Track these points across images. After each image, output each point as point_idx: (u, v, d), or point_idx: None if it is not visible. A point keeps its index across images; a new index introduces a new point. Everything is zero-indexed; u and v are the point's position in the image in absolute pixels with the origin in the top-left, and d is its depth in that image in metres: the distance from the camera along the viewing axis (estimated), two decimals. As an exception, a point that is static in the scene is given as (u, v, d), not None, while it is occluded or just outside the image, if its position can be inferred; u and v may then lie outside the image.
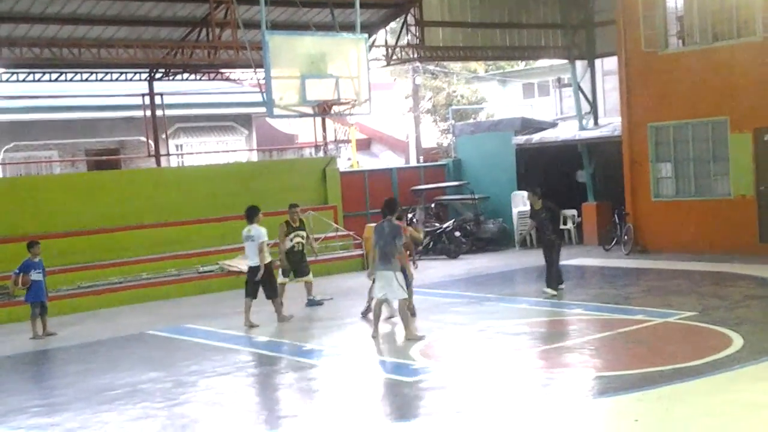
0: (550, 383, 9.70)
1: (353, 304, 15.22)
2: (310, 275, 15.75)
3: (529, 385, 9.76)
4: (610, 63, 25.25)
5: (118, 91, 24.87)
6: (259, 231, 14.25)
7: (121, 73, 21.79)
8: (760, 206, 18.57)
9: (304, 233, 15.63)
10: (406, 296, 12.58)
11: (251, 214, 14.43)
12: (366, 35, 18.94)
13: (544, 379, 9.89)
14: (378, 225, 12.67)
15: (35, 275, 14.56)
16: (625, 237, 20.51)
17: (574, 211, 23.39)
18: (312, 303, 15.70)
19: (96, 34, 19.21)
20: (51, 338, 14.48)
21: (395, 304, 12.76)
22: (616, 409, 8.61)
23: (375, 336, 12.53)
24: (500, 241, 23.23)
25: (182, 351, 12.75)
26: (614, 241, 21.01)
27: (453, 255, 22.06)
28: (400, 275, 12.28)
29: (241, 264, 19.09)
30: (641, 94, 20.53)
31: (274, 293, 14.50)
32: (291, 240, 15.34)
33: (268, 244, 14.29)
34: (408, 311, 12.69)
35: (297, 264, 15.45)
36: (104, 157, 27.01)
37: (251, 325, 14.08)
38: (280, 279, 15.14)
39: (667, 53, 20.05)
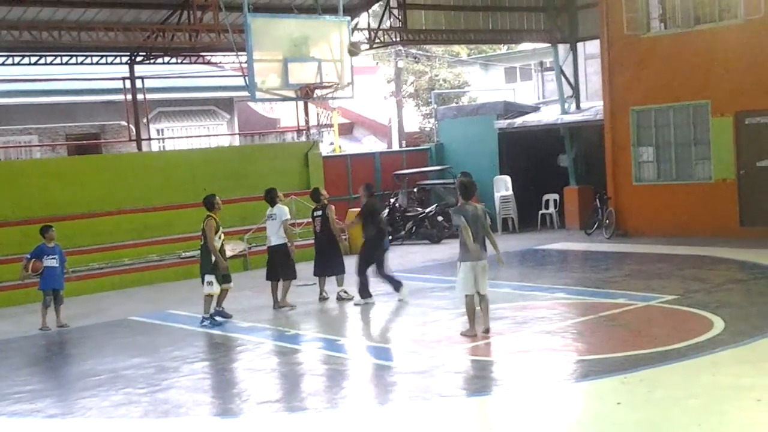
0: (532, 367, 9.73)
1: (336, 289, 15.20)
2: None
3: (511, 369, 9.79)
4: (593, 46, 25.30)
5: (98, 75, 24.66)
6: (281, 210, 14.15)
7: (102, 56, 21.59)
8: (741, 190, 18.67)
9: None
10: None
11: (271, 196, 14.33)
12: (348, 18, 18.87)
13: (526, 362, 9.92)
14: (463, 209, 11.19)
15: (48, 261, 13.91)
16: (607, 221, 20.57)
17: (555, 196, 23.45)
18: (222, 314, 13.49)
19: (76, 16, 19.02)
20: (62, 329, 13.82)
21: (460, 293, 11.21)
22: (598, 392, 8.66)
23: (472, 334, 11.07)
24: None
25: (165, 336, 12.71)
26: (596, 225, 21.07)
27: (435, 240, 22.07)
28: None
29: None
30: (623, 77, 20.56)
31: (292, 275, 14.24)
32: (219, 238, 13.34)
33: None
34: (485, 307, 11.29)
35: (226, 267, 13.67)
36: (85, 142, 26.84)
37: (289, 306, 14.09)
38: (214, 289, 13.15)
39: (649, 36, 20.08)
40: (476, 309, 11.15)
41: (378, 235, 14.12)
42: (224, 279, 13.24)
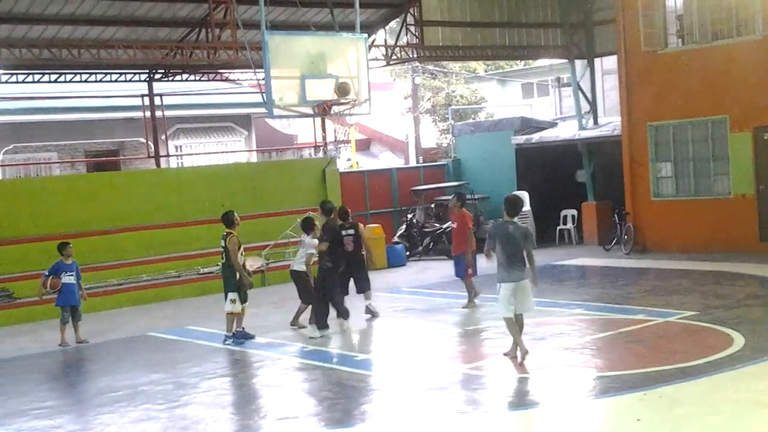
0: (553, 383, 9.69)
1: (353, 304, 15.17)
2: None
3: (531, 385, 9.75)
4: (610, 62, 25.27)
5: (117, 92, 24.85)
6: (311, 242, 13.79)
7: (121, 73, 21.78)
8: (760, 205, 18.57)
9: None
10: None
11: (308, 225, 14.03)
12: (365, 35, 18.93)
13: (547, 379, 9.88)
14: (498, 226, 10.83)
15: (66, 278, 13.96)
16: (625, 236, 20.49)
17: (573, 211, 23.39)
18: (244, 335, 13.32)
19: (95, 34, 19.21)
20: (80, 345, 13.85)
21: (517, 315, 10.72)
22: (618, 409, 8.60)
23: (512, 355, 10.72)
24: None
25: (183, 352, 12.74)
26: (614, 241, 21.00)
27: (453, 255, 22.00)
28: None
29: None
30: (641, 93, 20.52)
31: (308, 299, 13.76)
32: (242, 255, 13.37)
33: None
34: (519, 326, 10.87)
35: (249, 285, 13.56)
36: (104, 159, 27.01)
37: (299, 326, 13.85)
38: (236, 308, 13.12)
39: (666, 52, 20.05)
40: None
41: (335, 259, 13.27)
42: (243, 298, 13.13)
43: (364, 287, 14.60)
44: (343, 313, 13.43)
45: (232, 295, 13.02)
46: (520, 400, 9.20)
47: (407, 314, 14.87)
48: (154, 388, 10.63)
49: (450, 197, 24.40)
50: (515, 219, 10.72)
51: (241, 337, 13.10)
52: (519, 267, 10.48)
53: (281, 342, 12.96)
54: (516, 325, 10.62)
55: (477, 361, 10.90)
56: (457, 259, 15.00)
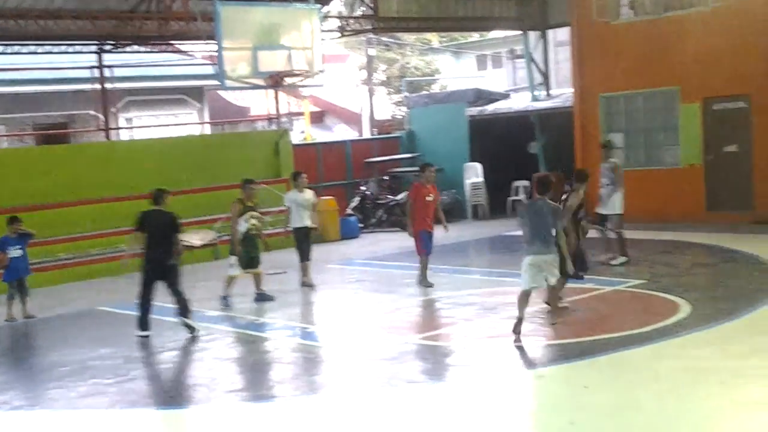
0: (501, 352, 9.78)
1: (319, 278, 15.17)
2: (260, 266, 13.75)
3: (480, 355, 9.83)
4: (563, 34, 25.40)
5: (66, 64, 24.42)
6: (285, 199, 14.70)
7: (70, 45, 21.37)
8: (708, 175, 18.84)
9: (258, 215, 13.71)
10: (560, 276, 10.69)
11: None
12: (319, 6, 18.83)
13: (496, 348, 9.96)
14: (531, 204, 11.01)
15: (14, 252, 13.73)
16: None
17: (526, 182, 23.53)
18: (264, 298, 13.62)
19: (43, 5, 18.76)
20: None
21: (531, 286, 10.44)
22: (566, 377, 8.72)
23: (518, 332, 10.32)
24: (453, 213, 23.27)
25: (133, 327, 12.59)
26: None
27: (406, 227, 22.04)
28: (556, 260, 10.47)
29: (193, 238, 18.97)
30: (593, 64, 20.65)
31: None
32: (246, 221, 13.40)
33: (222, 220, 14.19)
34: (558, 293, 11.04)
35: (253, 251, 13.50)
36: (53, 132, 26.57)
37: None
38: (232, 271, 13.45)
39: (618, 23, 20.13)
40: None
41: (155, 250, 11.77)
42: (248, 264, 13.38)
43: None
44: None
45: (230, 259, 13.45)
46: (470, 370, 9.27)
47: (359, 286, 14.90)
48: (104, 362, 10.54)
49: (410, 169, 24.47)
50: (545, 197, 10.49)
51: (261, 299, 13.47)
52: (540, 242, 10.27)
53: (232, 315, 12.91)
54: (525, 300, 10.34)
55: (429, 331, 10.96)
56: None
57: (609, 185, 14.58)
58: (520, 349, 9.76)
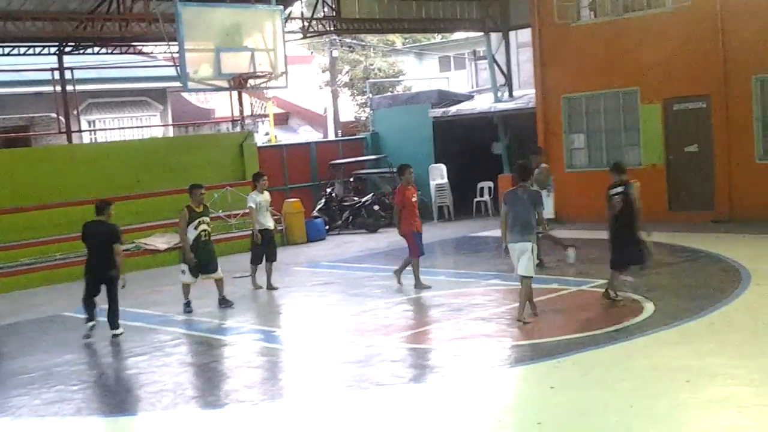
0: (468, 353, 9.83)
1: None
2: (220, 271, 13.43)
3: (446, 356, 9.87)
4: (525, 35, 25.52)
5: (26, 66, 24.10)
6: (248, 198, 14.75)
7: (29, 47, 21.10)
8: (670, 175, 19.06)
9: (209, 219, 13.43)
10: (533, 275, 11.01)
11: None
12: (281, 7, 18.73)
13: (462, 349, 10.01)
14: (510, 192, 11.29)
15: None
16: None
17: (490, 183, 23.65)
18: (224, 303, 13.40)
19: (2, 5, 18.52)
20: None
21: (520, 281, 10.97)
22: (532, 377, 8.79)
23: (524, 320, 10.88)
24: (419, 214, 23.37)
25: (98, 332, 12.49)
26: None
27: (372, 229, 22.12)
28: (535, 248, 11.00)
29: (158, 242, 18.85)
30: (554, 65, 20.82)
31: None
32: (195, 228, 13.03)
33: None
34: (528, 290, 11.05)
35: (205, 257, 13.16)
36: (13, 135, 26.21)
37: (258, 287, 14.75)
38: (184, 278, 13.23)
39: (579, 25, 20.35)
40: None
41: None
42: (203, 270, 13.19)
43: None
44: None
45: (181, 266, 13.35)
46: (437, 371, 9.31)
47: (326, 288, 14.88)
48: (69, 368, 10.44)
49: (375, 171, 24.48)
50: (524, 184, 11.04)
51: (223, 305, 13.37)
52: (519, 229, 10.78)
53: (198, 319, 12.83)
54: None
55: (395, 333, 10.97)
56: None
57: (543, 190, 14.74)
58: (487, 350, 9.83)
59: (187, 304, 13.29)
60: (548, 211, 14.74)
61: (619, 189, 12.34)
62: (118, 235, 11.89)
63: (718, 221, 17.98)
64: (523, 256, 10.78)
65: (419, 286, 13.58)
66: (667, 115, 19.04)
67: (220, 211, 19.74)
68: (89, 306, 11.97)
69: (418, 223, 13.83)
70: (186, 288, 13.31)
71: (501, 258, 15.15)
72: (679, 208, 18.83)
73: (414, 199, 13.79)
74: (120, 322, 12.04)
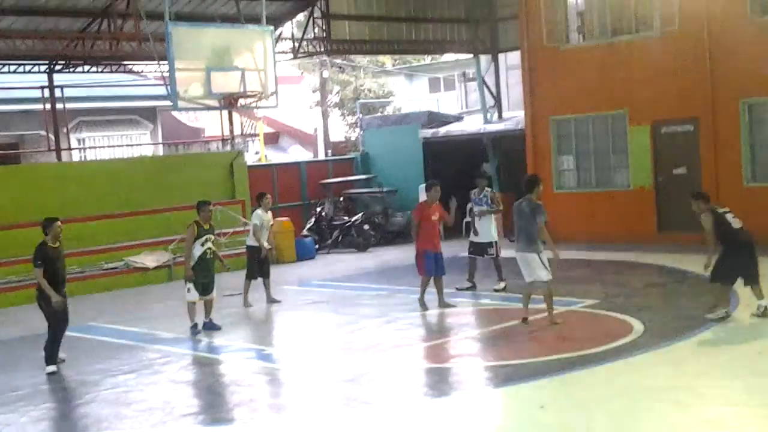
0: (458, 373, 9.83)
1: (262, 297, 15.11)
2: (214, 292, 13.19)
3: (437, 376, 9.87)
4: (514, 57, 25.69)
5: (15, 83, 24.10)
6: (254, 216, 14.97)
7: (19, 65, 21.11)
8: (658, 197, 19.16)
9: (214, 238, 13.21)
10: (551, 277, 11.70)
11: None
12: (272, 27, 18.82)
13: (453, 368, 10.01)
14: (515, 205, 11.82)
15: None
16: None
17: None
18: (211, 326, 13.00)
19: (-8, 24, 18.60)
20: None
21: (539, 286, 11.74)
22: (521, 397, 8.79)
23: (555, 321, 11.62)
24: (408, 234, 23.32)
25: (87, 350, 12.46)
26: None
27: (362, 248, 22.12)
28: (543, 256, 11.57)
29: (147, 260, 18.80)
30: (543, 88, 20.94)
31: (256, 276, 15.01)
32: (202, 245, 12.78)
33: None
34: (551, 293, 11.76)
35: (207, 276, 12.92)
36: (2, 152, 26.15)
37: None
38: (189, 297, 12.89)
39: (568, 48, 20.49)
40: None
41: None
42: (203, 289, 12.84)
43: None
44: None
45: (186, 285, 12.85)
46: (427, 391, 9.30)
47: (316, 307, 14.87)
48: (57, 386, 10.40)
49: (364, 190, 24.51)
50: (530, 196, 11.67)
51: (209, 327, 12.89)
52: (522, 239, 11.59)
53: (188, 337, 12.78)
54: (526, 291, 11.87)
55: (385, 352, 10.97)
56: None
57: (486, 216, 14.83)
58: (476, 370, 9.83)
59: (194, 327, 12.83)
60: (493, 233, 14.91)
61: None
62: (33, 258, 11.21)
63: (706, 243, 18.02)
64: (531, 265, 11.52)
65: (421, 303, 13.38)
66: (655, 138, 19.16)
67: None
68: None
69: (434, 242, 13.48)
70: (191, 308, 12.86)
71: (490, 278, 15.26)
72: (668, 229, 18.90)
73: (434, 218, 13.52)
74: (103, 338, 11.82)
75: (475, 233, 15.01)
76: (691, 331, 10.74)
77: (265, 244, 14.90)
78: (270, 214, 15.26)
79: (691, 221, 18.66)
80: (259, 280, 15.02)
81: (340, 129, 37.69)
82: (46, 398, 9.84)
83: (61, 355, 11.04)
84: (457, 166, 23.99)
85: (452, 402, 8.76)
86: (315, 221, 23.07)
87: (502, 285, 14.61)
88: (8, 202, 18.76)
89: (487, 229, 14.91)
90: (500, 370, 9.87)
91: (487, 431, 7.84)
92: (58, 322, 11.11)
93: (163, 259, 18.89)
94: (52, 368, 10.93)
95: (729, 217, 11.35)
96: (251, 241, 14.99)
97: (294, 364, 11.11)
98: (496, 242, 14.95)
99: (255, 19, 18.97)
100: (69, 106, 23.74)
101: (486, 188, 15.23)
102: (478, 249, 14.94)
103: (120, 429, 8.66)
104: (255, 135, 31.91)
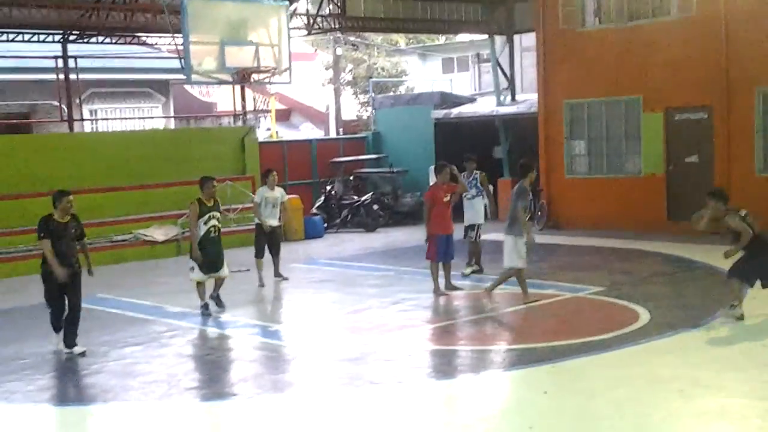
0: (463, 356, 9.85)
1: (271, 275, 15.14)
2: (226, 269, 12.73)
3: (442, 358, 9.89)
4: (529, 39, 25.55)
5: (29, 53, 24.09)
6: (257, 193, 15.04)
7: (34, 34, 21.08)
8: (669, 185, 19.09)
9: (219, 214, 12.60)
10: (521, 266, 12.05)
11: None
12: (287, 3, 18.81)
13: (458, 351, 10.03)
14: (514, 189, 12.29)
15: None
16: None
17: (490, 186, 23.60)
18: (217, 302, 12.75)
19: (6, -8, 18.56)
20: None
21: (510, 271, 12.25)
22: (525, 382, 8.80)
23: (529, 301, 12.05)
24: (417, 215, 23.37)
25: (94, 321, 12.49)
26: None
27: (370, 228, 22.14)
28: (520, 241, 11.86)
29: (156, 233, 18.86)
30: (558, 71, 20.83)
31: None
32: (205, 223, 12.32)
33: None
34: (523, 277, 12.16)
35: (214, 254, 12.48)
36: (15, 121, 26.20)
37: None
38: (193, 275, 12.50)
39: (584, 31, 20.37)
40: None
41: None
42: (211, 268, 12.43)
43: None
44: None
45: (189, 263, 12.55)
46: (431, 372, 9.33)
47: (323, 285, 14.91)
48: (63, 356, 10.45)
49: (375, 170, 24.49)
50: (523, 181, 12.11)
51: (214, 301, 12.66)
52: (508, 223, 12.15)
53: (195, 312, 12.82)
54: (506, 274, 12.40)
55: (391, 333, 10.99)
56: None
57: (476, 196, 14.79)
58: (481, 353, 9.85)
59: (205, 306, 12.55)
60: (477, 218, 14.90)
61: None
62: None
63: (715, 233, 17.96)
64: (505, 248, 12.09)
65: (437, 290, 13.13)
66: (668, 125, 19.07)
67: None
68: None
69: (446, 225, 13.29)
70: (200, 288, 12.51)
71: (497, 262, 15.24)
72: (678, 218, 18.79)
73: (446, 199, 13.31)
74: (111, 310, 11.77)
75: (474, 214, 14.94)
76: (697, 321, 10.72)
77: (267, 222, 14.65)
78: (279, 191, 15.01)
79: (700, 210, 18.71)
80: (270, 258, 14.95)
81: (352, 107, 37.62)
82: (52, 368, 9.91)
83: (81, 348, 10.60)
84: (469, 148, 23.92)
85: (456, 384, 8.79)
86: (324, 200, 23.08)
87: (469, 270, 14.69)
88: (18, 171, 18.80)
89: (475, 212, 14.84)
90: (504, 354, 9.89)
91: (490, 414, 7.87)
92: (53, 298, 10.74)
93: (172, 233, 18.94)
94: (78, 349, 10.41)
95: (750, 219, 11.14)
96: (258, 219, 14.96)
97: (299, 341, 11.15)
98: (478, 226, 14.83)
99: (270, -5, 18.91)
100: (82, 76, 23.71)
101: (475, 171, 15.11)
102: (464, 231, 14.84)
103: (125, 400, 8.72)
104: (267, 111, 31.89)
